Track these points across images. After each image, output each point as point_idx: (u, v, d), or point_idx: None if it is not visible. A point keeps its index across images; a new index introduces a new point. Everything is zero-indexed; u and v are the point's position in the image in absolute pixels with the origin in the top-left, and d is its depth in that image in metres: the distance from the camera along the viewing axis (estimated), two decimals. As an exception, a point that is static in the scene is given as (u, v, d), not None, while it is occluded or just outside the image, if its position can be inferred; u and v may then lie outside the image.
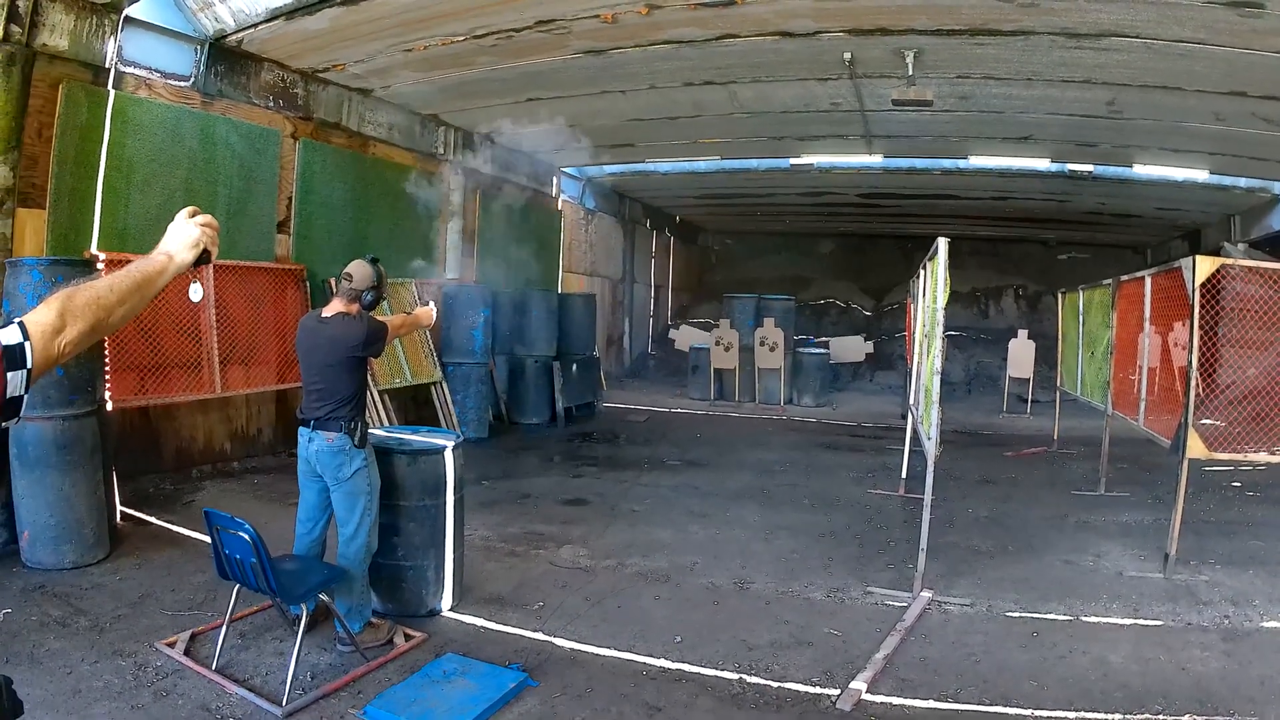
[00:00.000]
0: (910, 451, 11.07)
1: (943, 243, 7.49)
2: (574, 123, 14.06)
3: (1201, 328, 8.19)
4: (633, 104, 13.06)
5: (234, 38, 10.05)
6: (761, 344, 19.03)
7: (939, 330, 7.65)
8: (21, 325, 2.00)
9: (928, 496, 7.42)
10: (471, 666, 5.44)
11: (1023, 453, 14.76)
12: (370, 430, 6.09)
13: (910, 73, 10.51)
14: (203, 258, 2.43)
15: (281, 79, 11.30)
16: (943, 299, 7.51)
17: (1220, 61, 10.23)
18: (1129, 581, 8.04)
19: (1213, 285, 8.56)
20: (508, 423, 14.93)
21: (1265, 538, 9.75)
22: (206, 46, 10.05)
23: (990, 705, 5.44)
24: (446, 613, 6.48)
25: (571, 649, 5.97)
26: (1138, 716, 5.36)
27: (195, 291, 2.72)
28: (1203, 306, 8.20)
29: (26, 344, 1.99)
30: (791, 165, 17.65)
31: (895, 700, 5.45)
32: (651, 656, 5.89)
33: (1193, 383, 8.08)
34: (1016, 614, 7.12)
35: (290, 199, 11.61)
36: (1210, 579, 8.14)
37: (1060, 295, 15.26)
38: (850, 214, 24.26)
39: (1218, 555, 8.84)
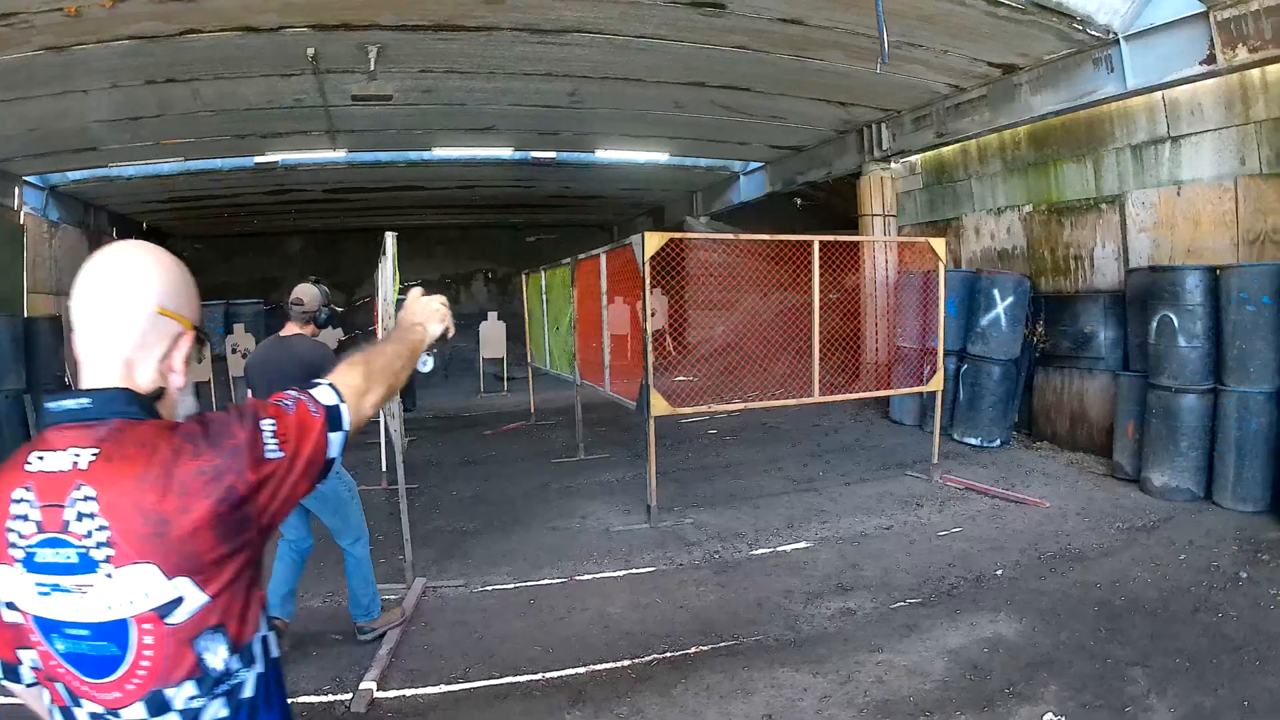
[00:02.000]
0: (387, 444, 11.06)
1: (389, 236, 7.65)
2: (34, 127, 12.82)
3: (669, 293, 8.84)
4: (95, 104, 11.96)
5: None
6: (233, 351, 18.15)
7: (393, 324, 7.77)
8: (334, 387, 1.97)
9: (402, 487, 7.43)
10: None
11: (502, 429, 15.22)
12: None
13: (373, 68, 10.43)
14: (444, 334, 2.65)
15: None
16: (393, 291, 7.61)
17: (681, 55, 11.02)
18: (617, 536, 8.55)
19: (674, 255, 9.24)
20: None
21: (744, 476, 10.78)
22: None
23: (501, 677, 5.59)
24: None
25: None
26: (645, 659, 5.71)
27: (425, 364, 2.67)
28: (667, 275, 8.84)
29: (343, 406, 1.95)
30: (256, 164, 17.09)
31: (408, 692, 5.45)
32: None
33: (648, 347, 8.63)
34: (511, 585, 7.35)
35: None
36: (695, 521, 8.83)
37: (525, 276, 15.83)
38: (318, 210, 23.92)
39: (701, 498, 9.61)
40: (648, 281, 8.52)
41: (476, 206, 24.97)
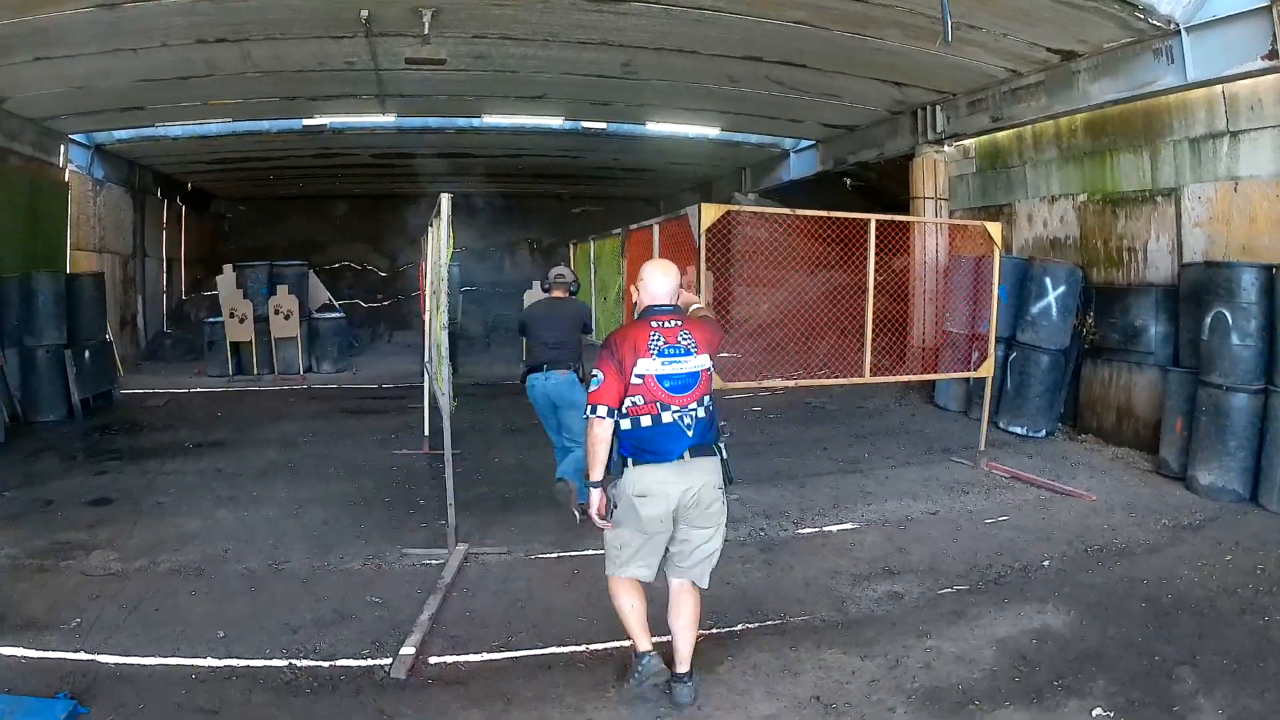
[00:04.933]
0: (430, 409, 10.98)
1: (445, 199, 7.67)
2: (83, 85, 12.81)
3: (715, 269, 8.76)
4: (145, 63, 11.90)
5: None
6: (276, 313, 18.13)
7: (445, 286, 8.09)
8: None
9: (448, 452, 7.43)
10: (18, 704, 4.76)
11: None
12: None
13: (426, 31, 10.36)
14: None
15: None
16: (446, 255, 7.75)
17: (739, 29, 10.92)
18: (663, 511, 8.54)
19: (723, 230, 9.16)
20: (24, 423, 13.22)
21: (789, 454, 10.74)
22: None
23: (544, 648, 5.59)
24: (-18, 649, 5.67)
25: (117, 664, 5.39)
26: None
27: None
28: (714, 250, 8.76)
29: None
30: (304, 126, 17.10)
31: (449, 659, 5.45)
32: (198, 658, 5.47)
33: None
34: (554, 555, 7.34)
35: None
36: (741, 497, 8.69)
37: (572, 246, 15.69)
38: (363, 175, 23.99)
39: (747, 475, 9.41)
40: (703, 254, 8.47)
41: (523, 176, 24.93)
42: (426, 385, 10.79)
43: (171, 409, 14.89)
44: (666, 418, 4.57)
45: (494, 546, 7.50)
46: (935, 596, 6.42)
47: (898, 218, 10.25)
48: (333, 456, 11.09)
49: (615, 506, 4.64)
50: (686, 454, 4.58)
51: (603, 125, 17.78)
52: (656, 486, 4.56)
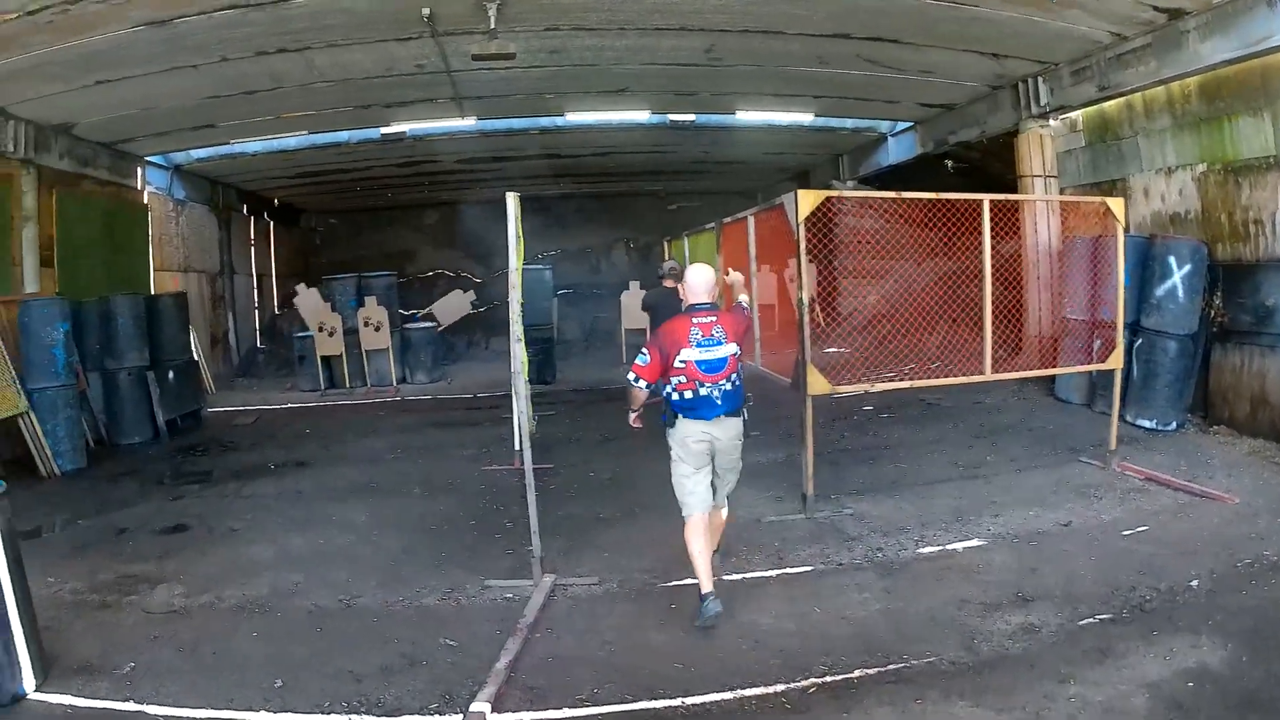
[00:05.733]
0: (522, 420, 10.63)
1: (511, 198, 7.20)
2: (149, 106, 12.79)
3: (818, 261, 8.11)
4: (207, 79, 11.87)
5: None
6: (365, 324, 18.00)
7: (518, 294, 7.45)
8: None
9: (529, 476, 6.93)
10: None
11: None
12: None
13: (493, 26, 9.96)
14: None
15: None
16: (516, 259, 7.37)
17: (824, 4, 10.39)
18: (769, 527, 7.90)
19: (824, 220, 8.49)
20: (110, 445, 13.22)
21: (905, 460, 10.01)
22: None
23: (634, 702, 5.00)
24: (32, 695, 5.32)
25: (165, 717, 5.02)
26: (801, 684, 5.08)
27: None
28: (817, 241, 8.09)
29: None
30: (383, 135, 16.96)
31: (527, 715, 4.91)
32: (250, 709, 5.05)
33: (806, 319, 7.93)
34: (649, 584, 6.78)
35: None
36: (856, 511, 8.12)
37: (666, 243, 15.19)
38: (451, 182, 23.78)
39: (860, 484, 8.89)
40: (803, 244, 7.81)
41: (614, 175, 24.51)
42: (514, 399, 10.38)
43: (259, 426, 14.77)
44: (703, 391, 6.19)
45: (584, 577, 6.96)
46: (1075, 629, 5.65)
47: (1012, 197, 9.49)
48: (418, 474, 10.71)
49: (674, 447, 6.40)
50: (720, 417, 6.26)
51: (691, 117, 17.26)
52: (697, 433, 6.26)
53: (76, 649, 5.98)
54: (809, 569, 6.89)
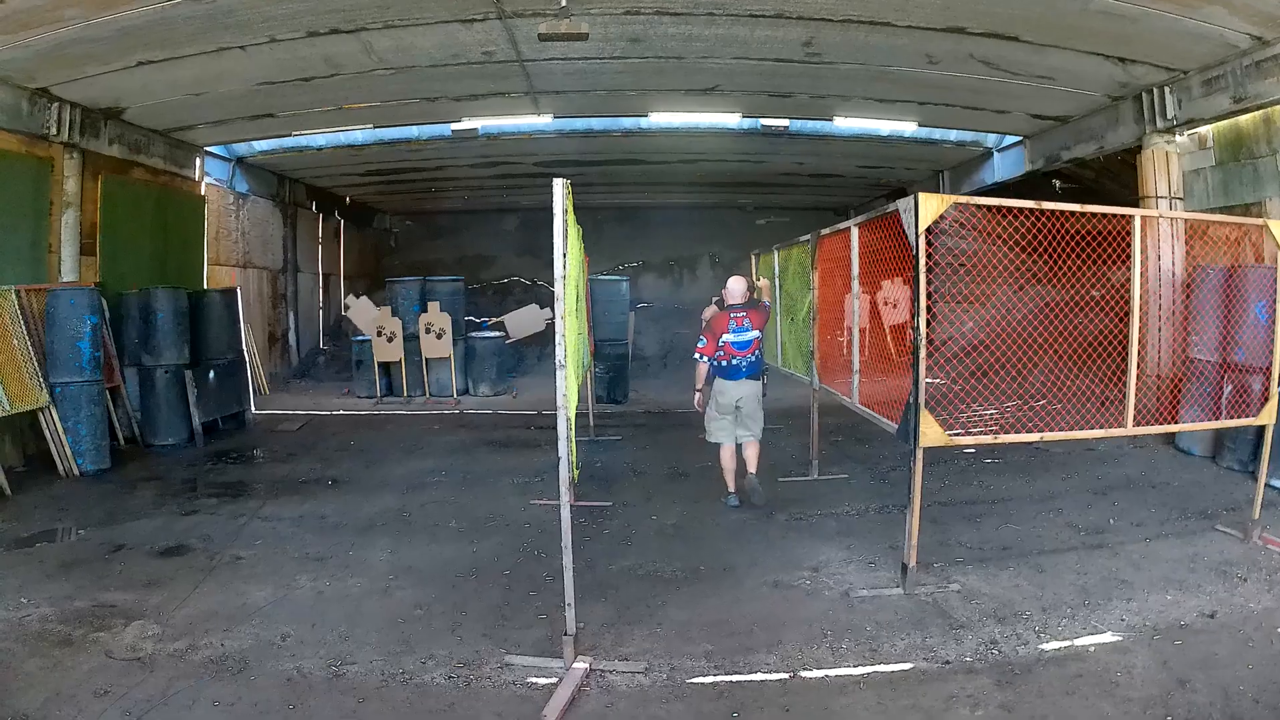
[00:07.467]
0: (586, 442, 9.76)
1: (559, 184, 5.97)
2: (200, 90, 12.14)
3: (911, 283, 6.73)
4: (257, 63, 11.17)
5: None
6: (427, 331, 17.12)
7: (563, 305, 6.05)
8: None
9: (565, 534, 5.71)
10: None
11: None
12: None
13: (565, 3, 9.06)
14: None
15: None
16: (571, 262, 6.19)
17: None
18: (860, 605, 6.54)
19: (941, 234, 7.24)
20: (141, 445, 12.59)
21: (1015, 519, 8.68)
22: None
23: None
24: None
25: None
26: None
27: None
28: (909, 261, 6.77)
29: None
30: (453, 132, 16.15)
31: None
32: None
33: (920, 351, 6.50)
34: (710, 679, 5.42)
35: None
36: (963, 587, 6.81)
37: (754, 257, 13.98)
38: (530, 186, 22.87)
39: (967, 551, 7.60)
40: (922, 259, 6.41)
41: (701, 184, 23.62)
42: (574, 417, 9.21)
43: (304, 434, 14.04)
44: (734, 361, 9.11)
45: (628, 661, 5.63)
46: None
47: (1167, 213, 8.17)
48: (457, 504, 9.64)
49: (710, 400, 9.32)
50: (743, 379, 9.14)
51: (785, 123, 16.23)
52: (726, 389, 9.15)
53: (17, 696, 5.17)
54: (908, 666, 5.52)
